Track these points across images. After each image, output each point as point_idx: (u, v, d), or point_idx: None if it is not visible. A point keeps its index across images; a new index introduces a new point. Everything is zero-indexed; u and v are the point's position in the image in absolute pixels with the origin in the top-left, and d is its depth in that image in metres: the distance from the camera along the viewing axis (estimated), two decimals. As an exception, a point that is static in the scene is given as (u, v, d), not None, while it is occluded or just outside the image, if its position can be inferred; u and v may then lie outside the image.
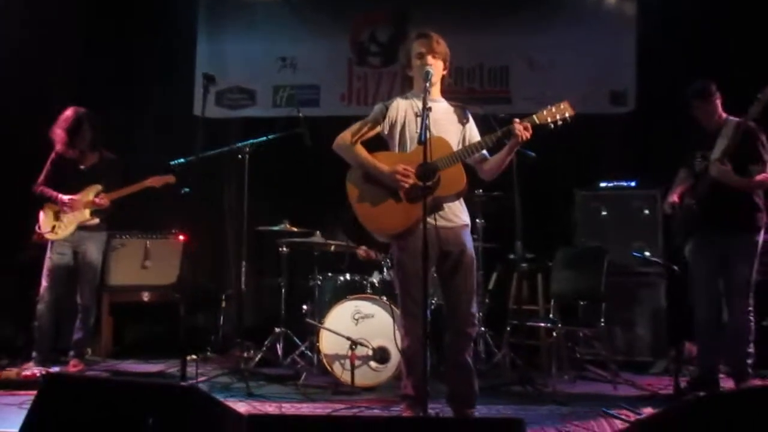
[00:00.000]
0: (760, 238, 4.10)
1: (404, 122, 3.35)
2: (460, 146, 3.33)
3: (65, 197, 4.77)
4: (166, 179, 4.85)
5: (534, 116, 3.20)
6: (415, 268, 3.07)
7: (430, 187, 3.11)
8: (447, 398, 3.40)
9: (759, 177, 4.00)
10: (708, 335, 4.17)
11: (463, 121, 3.40)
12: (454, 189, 3.24)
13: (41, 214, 4.82)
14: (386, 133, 3.38)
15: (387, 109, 3.37)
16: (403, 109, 3.37)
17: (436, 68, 3.30)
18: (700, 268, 4.17)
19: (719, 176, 3.98)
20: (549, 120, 3.18)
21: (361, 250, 5.14)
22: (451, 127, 3.36)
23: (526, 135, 3.15)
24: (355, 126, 3.37)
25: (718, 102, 4.15)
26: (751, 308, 4.06)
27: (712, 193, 4.03)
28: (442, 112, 3.38)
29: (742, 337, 4.04)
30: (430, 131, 3.08)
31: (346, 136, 3.35)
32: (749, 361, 4.04)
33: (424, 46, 3.31)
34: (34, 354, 4.70)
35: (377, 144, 3.43)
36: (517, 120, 3.18)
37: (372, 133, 3.37)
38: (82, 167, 4.88)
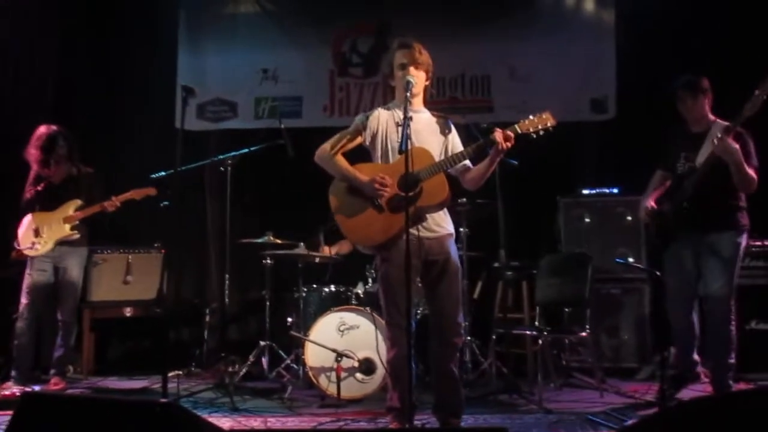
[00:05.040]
0: (743, 240, 3.93)
1: (386, 133, 3.35)
2: (443, 157, 3.33)
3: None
4: (147, 191, 4.81)
5: (516, 125, 3.21)
6: (399, 278, 3.04)
7: (411, 198, 3.12)
8: (433, 409, 3.38)
9: (753, 172, 3.80)
10: (683, 339, 4.09)
11: (445, 131, 3.41)
12: (437, 199, 3.24)
13: (20, 231, 4.75)
14: (368, 143, 3.39)
15: (368, 119, 3.38)
16: (384, 119, 3.37)
17: (419, 79, 3.31)
18: (676, 272, 4.02)
19: (725, 152, 3.69)
20: (531, 129, 3.19)
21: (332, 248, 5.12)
22: (433, 138, 3.36)
23: (508, 144, 3.16)
24: (336, 137, 3.38)
25: (707, 101, 3.96)
26: (732, 315, 3.88)
27: (698, 194, 3.83)
28: (424, 122, 3.39)
29: (721, 346, 3.88)
30: (411, 141, 3.09)
31: (326, 147, 3.36)
32: (730, 374, 3.90)
33: (406, 57, 3.31)
34: (13, 373, 4.62)
35: (360, 155, 3.43)
36: (499, 129, 3.18)
37: (353, 144, 3.38)
38: (59, 183, 4.82)
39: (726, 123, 3.84)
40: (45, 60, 5.97)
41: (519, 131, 3.19)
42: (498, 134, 3.15)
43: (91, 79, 6.12)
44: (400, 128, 3.22)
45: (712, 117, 3.98)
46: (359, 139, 3.37)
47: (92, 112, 6.01)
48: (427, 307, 3.48)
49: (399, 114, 3.28)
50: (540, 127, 3.18)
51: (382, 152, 3.35)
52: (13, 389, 4.46)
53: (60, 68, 6.07)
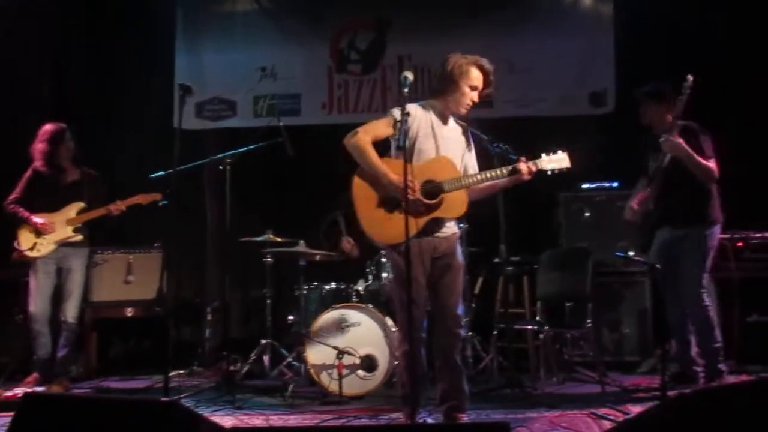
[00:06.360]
0: (714, 231, 4.09)
1: (417, 133, 3.34)
2: (459, 168, 3.40)
3: (39, 220, 4.68)
4: (153, 196, 4.76)
5: (538, 161, 3.35)
6: (411, 273, 3.11)
7: (432, 207, 3.26)
8: (438, 402, 3.41)
9: (709, 163, 3.98)
10: (680, 334, 4.22)
11: (467, 148, 3.49)
12: (456, 213, 3.38)
13: (20, 232, 4.72)
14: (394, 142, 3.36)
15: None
16: (419, 120, 3.35)
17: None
18: (663, 269, 4.14)
19: (672, 148, 3.96)
20: (549, 167, 3.38)
21: (346, 242, 5.09)
22: (457, 149, 3.45)
23: (528, 178, 3.34)
24: (369, 126, 3.35)
25: (666, 107, 4.13)
26: (705, 302, 4.04)
27: (665, 190, 4.04)
28: (452, 130, 3.45)
29: (703, 333, 4.06)
30: (437, 148, 3.33)
31: (360, 135, 3.31)
32: (719, 358, 4.05)
33: (479, 82, 3.38)
34: (36, 374, 4.63)
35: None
36: (524, 160, 3.35)
37: (384, 136, 3.36)
38: (63, 184, 4.81)
39: (684, 123, 4.04)
40: (43, 60, 5.97)
41: (540, 166, 3.38)
42: (524, 167, 3.33)
43: (89, 79, 6.12)
44: (435, 135, 3.36)
45: (674, 120, 4.07)
46: (390, 132, 3.33)
47: (90, 112, 6.00)
48: (429, 302, 3.50)
49: (434, 118, 3.38)
50: (556, 167, 3.38)
51: (408, 151, 3.31)
52: (15, 390, 4.45)
53: (58, 68, 6.07)
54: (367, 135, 3.30)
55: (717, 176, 4.04)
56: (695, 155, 3.96)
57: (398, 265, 3.30)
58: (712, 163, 4.00)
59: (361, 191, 3.31)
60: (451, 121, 3.47)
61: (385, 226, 3.27)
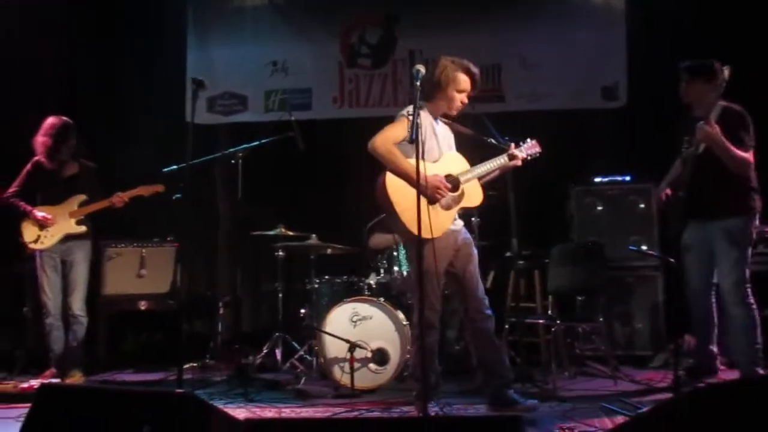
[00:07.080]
0: (753, 222, 3.87)
1: (425, 135, 3.45)
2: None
3: (40, 214, 4.69)
4: (155, 188, 4.78)
5: (519, 149, 3.72)
6: (433, 268, 3.31)
7: (459, 198, 3.52)
8: (484, 382, 3.60)
9: (741, 153, 3.74)
10: (702, 328, 4.12)
11: (453, 141, 3.71)
12: (476, 202, 3.63)
13: (23, 225, 4.73)
14: (407, 141, 3.39)
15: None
16: (423, 120, 3.47)
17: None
18: (691, 259, 4.03)
19: (705, 137, 3.70)
20: (525, 154, 3.74)
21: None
22: (450, 143, 3.70)
23: (520, 163, 3.72)
24: (388, 132, 3.46)
25: (709, 86, 3.80)
26: (750, 299, 3.83)
27: (698, 177, 3.76)
28: (443, 128, 3.68)
29: (746, 330, 3.82)
30: (439, 147, 3.55)
31: (386, 142, 3.43)
32: (757, 360, 3.83)
33: (468, 86, 3.57)
34: (53, 369, 4.69)
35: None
36: (514, 145, 3.70)
37: (402, 138, 3.43)
38: (63, 177, 4.81)
39: (725, 104, 3.84)
40: (53, 58, 5.99)
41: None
42: (518, 153, 3.69)
43: (100, 76, 6.14)
44: (436, 134, 3.56)
45: (717, 101, 3.82)
46: (406, 133, 3.35)
47: (102, 109, 6.02)
48: (457, 289, 3.67)
49: (431, 119, 3.56)
50: (531, 152, 3.76)
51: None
52: (31, 382, 4.50)
53: (69, 65, 6.09)
54: (387, 141, 3.43)
55: (750, 168, 3.80)
56: (729, 146, 3.69)
57: (424, 258, 3.28)
58: (747, 154, 3.75)
59: (397, 189, 3.40)
60: (439, 119, 3.67)
61: (427, 221, 3.30)
